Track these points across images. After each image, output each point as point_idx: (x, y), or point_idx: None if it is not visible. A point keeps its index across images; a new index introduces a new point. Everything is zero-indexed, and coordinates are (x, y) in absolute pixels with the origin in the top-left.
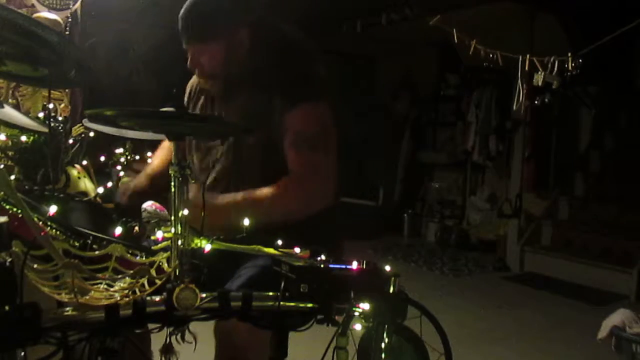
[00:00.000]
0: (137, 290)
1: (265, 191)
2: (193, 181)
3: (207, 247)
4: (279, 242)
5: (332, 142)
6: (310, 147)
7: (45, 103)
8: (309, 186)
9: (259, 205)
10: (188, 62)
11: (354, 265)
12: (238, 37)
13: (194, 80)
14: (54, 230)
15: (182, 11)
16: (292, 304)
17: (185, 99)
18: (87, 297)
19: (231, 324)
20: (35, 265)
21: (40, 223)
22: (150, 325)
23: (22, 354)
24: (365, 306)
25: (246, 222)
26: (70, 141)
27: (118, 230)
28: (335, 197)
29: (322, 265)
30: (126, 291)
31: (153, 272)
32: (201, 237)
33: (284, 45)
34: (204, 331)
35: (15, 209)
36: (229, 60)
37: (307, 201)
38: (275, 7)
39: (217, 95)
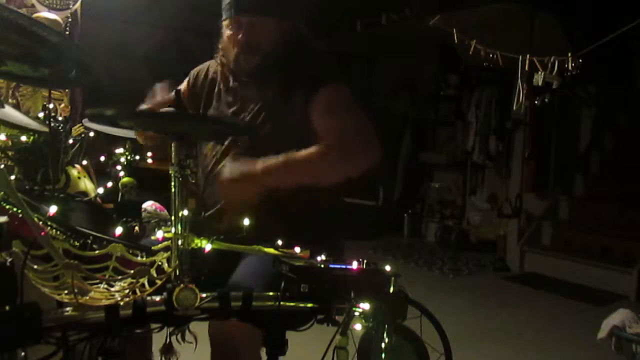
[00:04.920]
0: (137, 290)
1: (308, 151)
2: (193, 181)
3: (207, 247)
4: (279, 242)
5: (359, 111)
6: (341, 113)
7: (45, 103)
8: (349, 146)
9: (303, 164)
10: (227, 36)
11: (354, 265)
12: (284, 25)
13: (202, 67)
14: (54, 230)
15: None
16: (292, 304)
17: (190, 82)
18: (87, 298)
19: (225, 324)
20: (35, 266)
21: (40, 223)
22: (151, 325)
23: (22, 354)
24: (365, 306)
25: (246, 222)
26: (70, 141)
27: (118, 230)
28: (333, 192)
29: (322, 265)
30: (126, 291)
31: (153, 272)
32: (201, 237)
33: (313, 49)
34: (204, 331)
35: (15, 209)
36: (273, 40)
37: (351, 160)
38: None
39: (248, 73)
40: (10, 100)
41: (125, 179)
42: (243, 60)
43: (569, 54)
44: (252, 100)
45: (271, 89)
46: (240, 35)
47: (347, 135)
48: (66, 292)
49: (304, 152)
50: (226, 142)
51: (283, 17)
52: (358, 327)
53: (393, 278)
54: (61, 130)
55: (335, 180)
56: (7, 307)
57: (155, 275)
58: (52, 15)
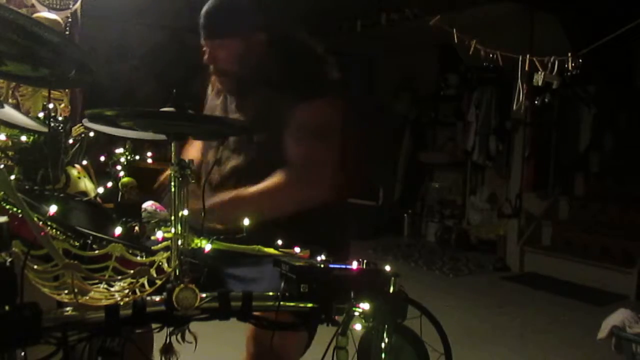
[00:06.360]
0: (137, 290)
1: (257, 187)
2: (194, 181)
3: (207, 247)
4: (279, 242)
5: (334, 137)
6: (309, 137)
7: (45, 103)
8: (304, 176)
9: (250, 202)
10: (205, 58)
11: (354, 265)
12: (255, 38)
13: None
14: (54, 230)
15: (204, 7)
16: (292, 304)
17: (208, 91)
18: (87, 298)
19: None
20: (35, 266)
21: (40, 223)
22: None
23: (22, 354)
24: (365, 306)
25: (246, 221)
26: (70, 141)
27: (118, 230)
28: (338, 193)
29: (322, 265)
30: (126, 291)
31: (153, 272)
32: (201, 237)
33: (297, 49)
34: (204, 331)
35: (15, 209)
36: (244, 59)
37: (303, 192)
38: (275, 8)
39: (230, 93)
40: (10, 100)
41: (125, 179)
42: (218, 81)
43: (569, 54)
44: (243, 111)
45: (260, 99)
46: (207, 59)
47: (306, 170)
48: (66, 292)
49: (253, 190)
50: (226, 156)
51: (254, 34)
52: (358, 327)
53: (393, 278)
54: (61, 130)
55: (280, 213)
56: (7, 307)
57: (155, 275)
58: (52, 15)
